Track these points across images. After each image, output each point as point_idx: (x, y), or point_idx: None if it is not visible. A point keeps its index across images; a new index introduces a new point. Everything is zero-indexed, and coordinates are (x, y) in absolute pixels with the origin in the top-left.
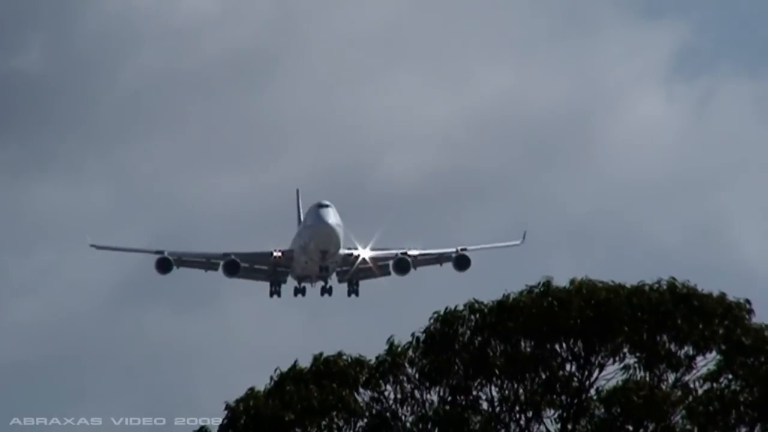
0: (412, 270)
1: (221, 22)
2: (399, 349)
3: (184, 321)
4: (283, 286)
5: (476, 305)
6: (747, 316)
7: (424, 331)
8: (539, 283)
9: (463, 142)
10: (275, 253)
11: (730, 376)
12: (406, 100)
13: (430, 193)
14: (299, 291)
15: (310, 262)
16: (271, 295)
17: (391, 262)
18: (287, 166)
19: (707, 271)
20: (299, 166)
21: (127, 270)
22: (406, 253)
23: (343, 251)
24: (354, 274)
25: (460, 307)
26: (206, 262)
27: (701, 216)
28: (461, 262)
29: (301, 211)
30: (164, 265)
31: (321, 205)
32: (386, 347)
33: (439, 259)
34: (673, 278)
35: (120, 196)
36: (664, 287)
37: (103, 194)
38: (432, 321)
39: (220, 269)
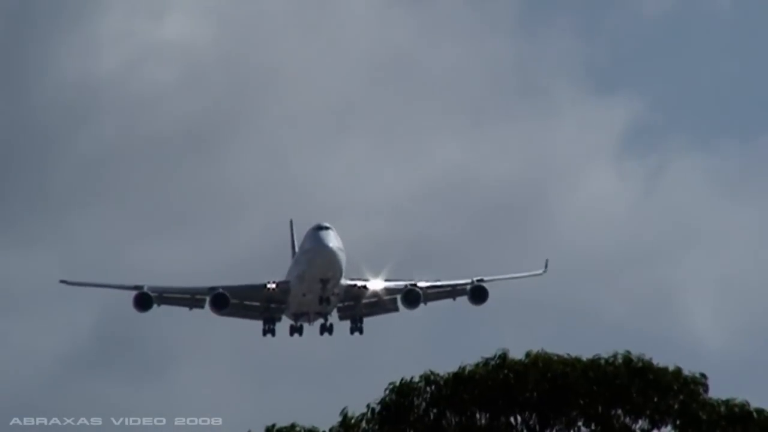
0: (422, 305)
1: (177, 91)
2: (353, 420)
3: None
4: (279, 325)
5: (432, 376)
6: (703, 391)
7: (380, 402)
8: (495, 356)
9: (414, 213)
10: (269, 285)
11: None
12: (358, 170)
13: (381, 263)
14: (296, 330)
15: (308, 293)
16: (264, 334)
17: (399, 296)
18: (240, 232)
19: (662, 344)
20: (252, 233)
21: (93, 317)
22: (415, 285)
23: (345, 281)
24: (358, 309)
25: (416, 378)
26: (191, 299)
27: (654, 289)
28: (477, 294)
29: (295, 243)
30: (143, 301)
31: (320, 228)
32: (340, 418)
33: (452, 292)
34: (629, 352)
35: (74, 263)
36: (620, 361)
37: (57, 261)
38: (387, 392)
39: (207, 305)
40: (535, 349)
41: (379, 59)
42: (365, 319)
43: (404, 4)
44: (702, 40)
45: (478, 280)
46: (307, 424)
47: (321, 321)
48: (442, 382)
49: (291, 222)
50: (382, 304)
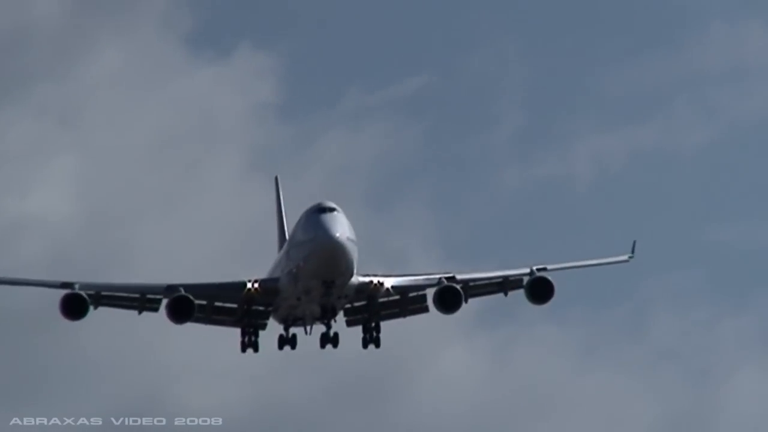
0: (463, 304)
1: (39, 266)
2: None
3: None
4: (263, 334)
5: None
6: None
7: None
8: None
9: None
10: (249, 285)
11: None
12: None
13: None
14: (286, 341)
15: (305, 297)
16: (244, 348)
17: (432, 292)
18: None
19: None
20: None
21: None
22: (453, 278)
23: (357, 279)
24: (374, 311)
25: None
26: (141, 299)
27: None
28: (538, 288)
29: (283, 208)
30: (75, 304)
31: (322, 209)
32: None
33: (503, 284)
34: None
35: None
36: None
37: None
38: None
39: (163, 309)
40: None
41: (240, 231)
42: (383, 325)
43: (263, 176)
44: (558, 211)
45: (539, 269)
46: None
47: (322, 329)
48: None
49: (276, 179)
50: (406, 303)
